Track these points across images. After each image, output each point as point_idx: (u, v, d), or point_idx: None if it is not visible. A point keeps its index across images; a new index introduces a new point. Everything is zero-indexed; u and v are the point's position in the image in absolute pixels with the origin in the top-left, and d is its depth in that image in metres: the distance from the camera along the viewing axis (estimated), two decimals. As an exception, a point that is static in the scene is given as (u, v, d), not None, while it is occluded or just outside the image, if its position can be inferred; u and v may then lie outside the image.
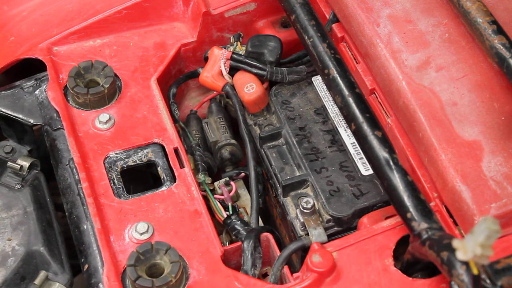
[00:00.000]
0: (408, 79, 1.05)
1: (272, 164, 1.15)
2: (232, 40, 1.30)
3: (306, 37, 1.13)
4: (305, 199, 1.07)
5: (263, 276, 1.09)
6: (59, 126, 1.18)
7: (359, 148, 1.09)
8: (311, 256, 0.96)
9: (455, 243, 0.71)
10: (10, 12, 1.36)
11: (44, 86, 1.25)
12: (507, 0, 1.11)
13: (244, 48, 1.27)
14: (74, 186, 1.11)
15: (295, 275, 0.99)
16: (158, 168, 1.14)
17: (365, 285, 0.96)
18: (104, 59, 1.26)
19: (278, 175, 1.13)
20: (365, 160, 1.09)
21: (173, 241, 1.03)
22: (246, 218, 1.14)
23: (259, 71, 1.22)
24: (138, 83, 1.24)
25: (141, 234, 1.04)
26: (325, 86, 1.20)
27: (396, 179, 0.95)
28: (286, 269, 1.01)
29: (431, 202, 1.00)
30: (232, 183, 1.17)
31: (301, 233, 1.07)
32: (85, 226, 1.07)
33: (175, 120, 1.22)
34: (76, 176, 1.11)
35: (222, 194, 1.15)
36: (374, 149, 0.99)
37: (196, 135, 1.25)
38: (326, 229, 1.06)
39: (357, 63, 1.16)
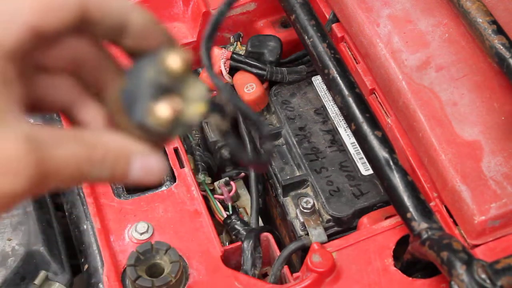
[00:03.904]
0: (408, 79, 1.05)
1: (272, 164, 1.15)
2: (232, 40, 1.30)
3: (306, 37, 1.13)
4: (305, 199, 1.07)
5: (263, 276, 1.09)
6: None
7: (359, 148, 1.09)
8: (311, 256, 0.96)
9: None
10: (10, 12, 1.35)
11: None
12: (507, 0, 1.11)
13: (244, 48, 1.27)
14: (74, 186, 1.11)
15: (295, 275, 0.99)
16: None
17: (365, 285, 0.96)
18: (104, 59, 1.26)
19: (278, 175, 1.13)
20: (365, 160, 1.09)
21: (173, 241, 1.03)
22: (246, 218, 1.14)
23: (259, 71, 1.22)
24: (138, 83, 1.24)
25: (141, 234, 1.04)
26: (325, 86, 1.20)
27: (396, 179, 0.95)
28: (286, 269, 1.01)
29: (431, 202, 1.00)
30: (232, 183, 1.17)
31: (301, 233, 1.07)
32: (85, 226, 1.07)
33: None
34: (76, 176, 1.11)
35: (222, 194, 1.15)
36: (374, 149, 0.99)
37: (196, 135, 1.25)
38: (326, 229, 1.06)
39: (357, 63, 1.16)
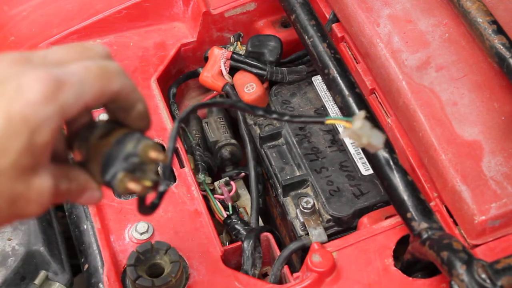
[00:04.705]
0: (408, 79, 1.05)
1: (272, 164, 1.15)
2: (232, 40, 1.30)
3: (306, 37, 1.13)
4: (305, 199, 1.07)
5: (263, 276, 1.09)
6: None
7: (359, 148, 1.10)
8: (311, 256, 0.96)
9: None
10: (10, 12, 1.35)
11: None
12: (507, 0, 1.11)
13: (244, 48, 1.27)
14: (74, 186, 1.11)
15: (295, 275, 0.99)
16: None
17: (365, 285, 0.96)
18: (104, 59, 1.26)
19: (278, 175, 1.13)
20: (365, 160, 1.09)
21: (173, 241, 1.03)
22: (246, 218, 1.14)
23: (259, 71, 1.22)
24: (138, 83, 1.24)
25: (141, 234, 1.04)
26: (325, 86, 1.20)
27: (396, 179, 0.95)
28: (286, 269, 1.01)
29: (431, 202, 1.00)
30: (232, 183, 1.17)
31: (301, 233, 1.07)
32: (85, 226, 1.07)
33: (175, 120, 1.22)
34: (76, 176, 1.11)
35: (222, 194, 1.15)
36: (374, 149, 0.99)
37: (196, 135, 1.25)
38: (326, 229, 1.06)
39: (357, 63, 1.16)
